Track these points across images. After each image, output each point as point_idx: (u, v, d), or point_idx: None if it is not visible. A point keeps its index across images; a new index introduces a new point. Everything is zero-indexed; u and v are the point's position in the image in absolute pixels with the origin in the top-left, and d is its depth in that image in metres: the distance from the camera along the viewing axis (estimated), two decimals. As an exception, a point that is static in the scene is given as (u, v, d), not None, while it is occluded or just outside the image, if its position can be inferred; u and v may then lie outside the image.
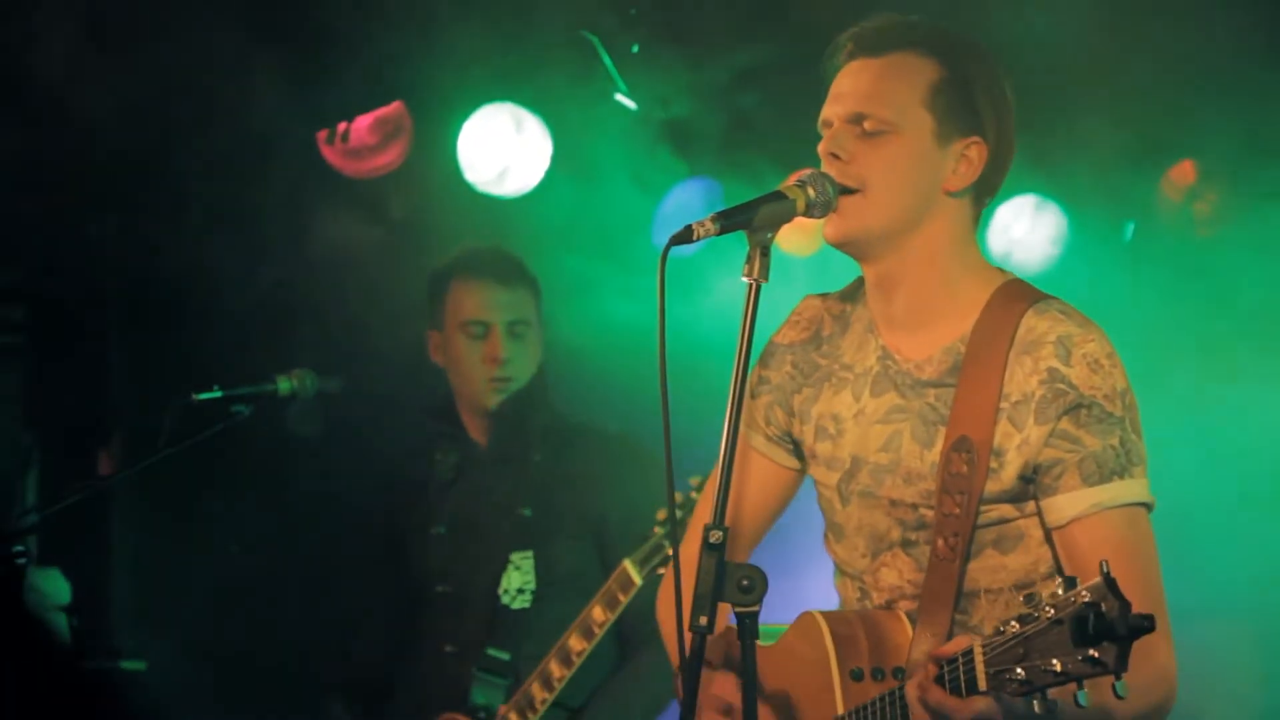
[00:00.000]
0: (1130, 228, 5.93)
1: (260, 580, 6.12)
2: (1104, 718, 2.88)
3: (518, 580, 5.07)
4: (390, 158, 6.05)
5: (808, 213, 3.09)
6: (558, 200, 5.97)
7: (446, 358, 5.24)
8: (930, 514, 3.15)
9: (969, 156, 3.19)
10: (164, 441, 4.75)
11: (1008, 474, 3.10)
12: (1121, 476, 3.06)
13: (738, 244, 3.00)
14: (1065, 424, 3.06)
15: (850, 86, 3.19)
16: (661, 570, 4.67)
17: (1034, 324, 3.12)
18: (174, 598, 6.06)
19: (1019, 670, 2.62)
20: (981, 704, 2.75)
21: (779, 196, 3.05)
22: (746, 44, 5.51)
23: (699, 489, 4.43)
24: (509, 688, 4.96)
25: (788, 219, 3.04)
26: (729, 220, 2.97)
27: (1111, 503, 3.05)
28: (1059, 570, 3.13)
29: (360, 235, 6.11)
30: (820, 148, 3.19)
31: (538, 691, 4.87)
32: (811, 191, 3.08)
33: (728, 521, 2.93)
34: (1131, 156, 5.62)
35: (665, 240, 2.94)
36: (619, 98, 5.88)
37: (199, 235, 5.90)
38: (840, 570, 3.36)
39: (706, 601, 2.86)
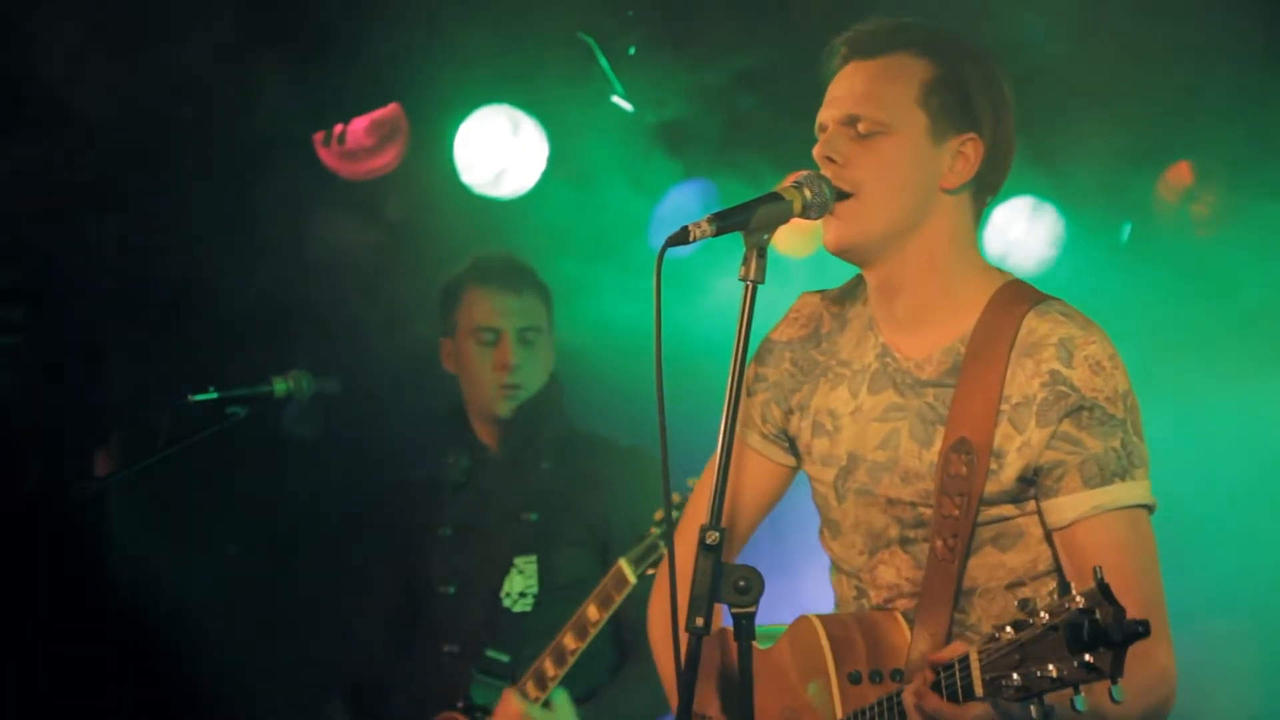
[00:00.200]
0: (1127, 229, 5.92)
1: (258, 581, 6.12)
2: None
3: (520, 584, 5.09)
4: (387, 159, 6.05)
5: (804, 214, 3.09)
6: (554, 202, 5.97)
7: (458, 365, 5.27)
8: (928, 512, 3.15)
9: (965, 153, 3.19)
10: (161, 442, 4.76)
11: (1007, 475, 3.10)
12: (1123, 479, 3.06)
13: (735, 245, 3.00)
14: (1067, 426, 3.06)
15: (844, 90, 3.20)
16: (652, 571, 4.69)
17: (1035, 326, 3.12)
18: (170, 598, 6.05)
19: (1015, 676, 2.63)
20: (978, 709, 2.75)
21: (775, 198, 3.05)
22: (743, 46, 5.51)
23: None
24: (507, 689, 4.97)
25: (784, 220, 3.05)
26: (725, 221, 2.98)
27: (1113, 505, 3.05)
28: (1059, 569, 3.14)
29: (357, 237, 6.11)
30: (815, 151, 3.19)
31: (531, 690, 4.88)
32: (808, 193, 3.09)
33: (723, 521, 2.93)
34: (1128, 157, 5.62)
35: (662, 242, 2.95)
36: (616, 100, 5.88)
37: (196, 236, 5.89)
38: (836, 567, 3.36)
39: (703, 603, 2.86)
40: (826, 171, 3.15)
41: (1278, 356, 5.44)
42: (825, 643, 3.14)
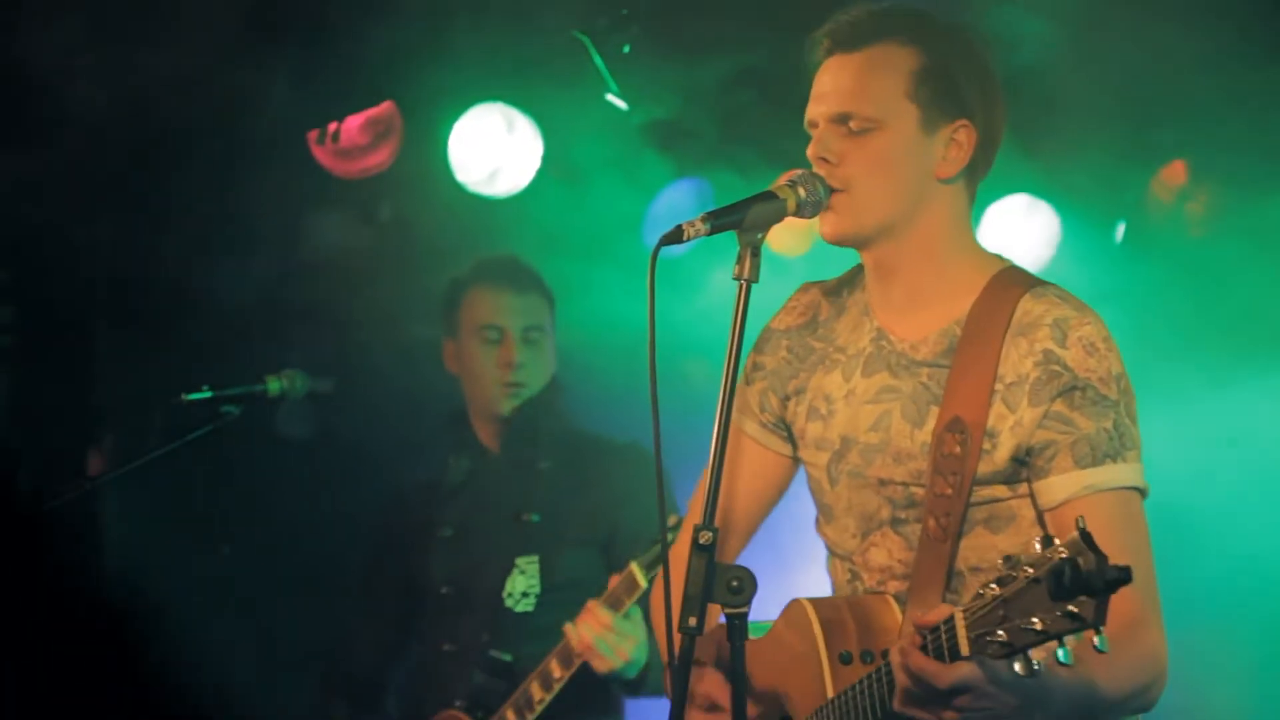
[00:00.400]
0: (1121, 227, 5.92)
1: (252, 580, 6.11)
2: (1092, 693, 2.89)
3: (522, 584, 5.10)
4: (381, 158, 6.04)
5: (798, 213, 3.09)
6: (549, 200, 5.97)
7: (461, 365, 5.30)
8: (920, 492, 3.15)
9: (958, 140, 3.19)
10: (153, 442, 4.75)
11: (1000, 455, 3.09)
12: (1114, 460, 3.06)
13: (731, 242, 3.00)
14: (1059, 405, 3.06)
15: (831, 85, 3.19)
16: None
17: (1031, 307, 3.13)
18: (163, 598, 6.04)
19: (1000, 632, 2.61)
20: (965, 669, 2.73)
21: (770, 197, 3.05)
22: (738, 44, 5.50)
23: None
24: (508, 689, 4.97)
25: (778, 219, 3.05)
26: (719, 220, 2.98)
27: (1104, 485, 3.05)
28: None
29: (350, 235, 6.10)
30: (809, 151, 3.19)
31: (536, 691, 4.89)
32: (802, 191, 3.09)
33: (720, 517, 2.93)
34: (1123, 155, 5.62)
35: (656, 240, 2.94)
36: (610, 98, 5.87)
37: (189, 235, 5.89)
38: (831, 553, 3.36)
39: (696, 603, 2.86)
40: (820, 170, 3.15)
41: (1272, 355, 5.44)
42: (816, 625, 3.14)
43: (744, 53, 5.46)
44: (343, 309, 5.93)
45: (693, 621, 2.86)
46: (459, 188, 6.00)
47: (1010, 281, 3.19)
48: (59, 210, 5.78)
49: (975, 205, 3.30)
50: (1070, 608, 2.52)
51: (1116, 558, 2.51)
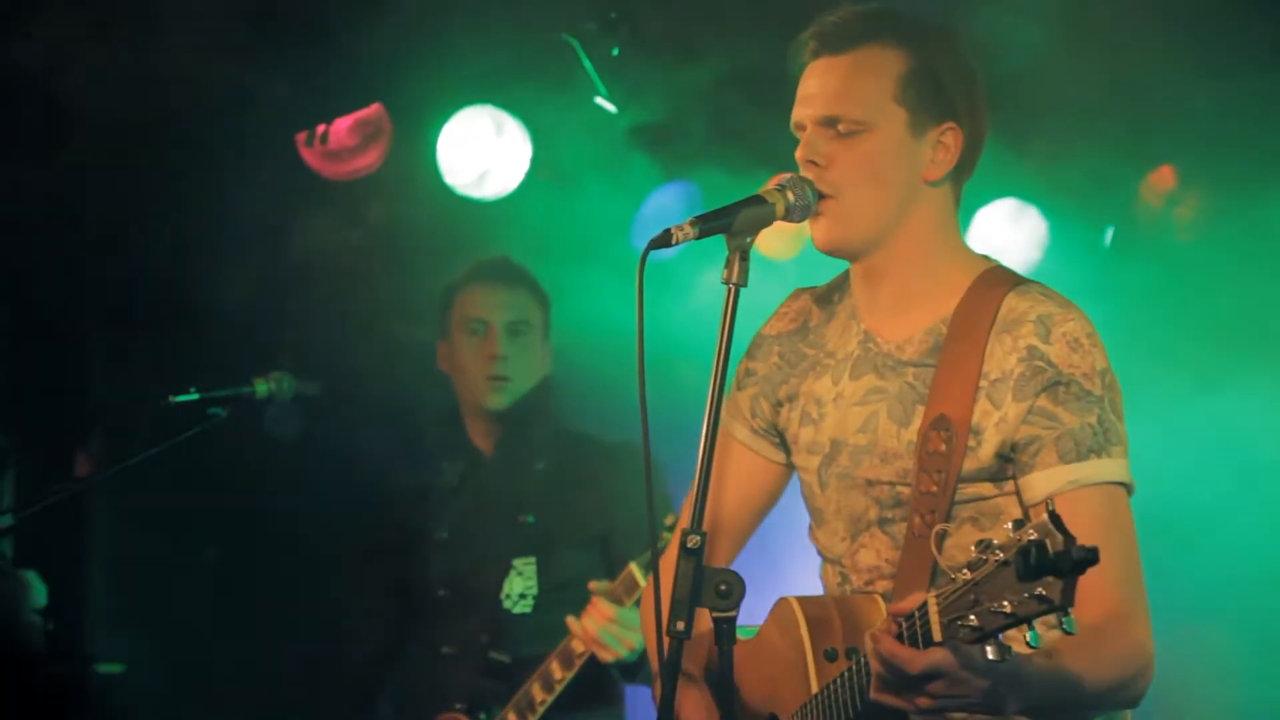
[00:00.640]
0: (1110, 231, 5.93)
1: (237, 583, 6.11)
2: (1072, 683, 2.88)
3: (520, 585, 5.11)
4: (369, 160, 6.04)
5: (787, 217, 3.09)
6: (537, 203, 5.97)
7: (451, 364, 5.30)
8: (906, 491, 3.15)
9: (945, 143, 3.19)
10: (141, 443, 4.74)
11: (986, 452, 3.09)
12: (1099, 455, 3.05)
13: (720, 246, 3.00)
14: (1043, 401, 3.06)
15: (818, 87, 3.19)
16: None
17: (1015, 304, 3.13)
18: (151, 601, 6.04)
19: (971, 617, 2.61)
20: (936, 654, 2.72)
21: (758, 201, 3.05)
22: (727, 47, 5.50)
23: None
24: (508, 690, 4.97)
25: (767, 223, 3.04)
26: (708, 224, 2.97)
27: (1088, 480, 3.04)
28: None
29: (339, 238, 6.10)
30: (797, 154, 3.18)
31: (538, 693, 4.91)
32: (791, 196, 3.08)
33: (709, 522, 2.93)
34: (1112, 160, 5.62)
35: (645, 243, 2.94)
36: (599, 101, 5.87)
37: (178, 237, 5.88)
38: (823, 558, 3.36)
39: (684, 607, 2.86)
40: (809, 174, 3.15)
41: (1260, 360, 5.45)
42: (802, 622, 3.14)
43: (732, 56, 5.46)
44: (331, 311, 5.92)
45: (680, 625, 2.85)
46: (448, 190, 6.00)
47: (995, 280, 3.20)
48: (49, 213, 5.77)
49: (963, 209, 3.30)
50: (1039, 589, 2.51)
51: (1102, 554, 2.50)
